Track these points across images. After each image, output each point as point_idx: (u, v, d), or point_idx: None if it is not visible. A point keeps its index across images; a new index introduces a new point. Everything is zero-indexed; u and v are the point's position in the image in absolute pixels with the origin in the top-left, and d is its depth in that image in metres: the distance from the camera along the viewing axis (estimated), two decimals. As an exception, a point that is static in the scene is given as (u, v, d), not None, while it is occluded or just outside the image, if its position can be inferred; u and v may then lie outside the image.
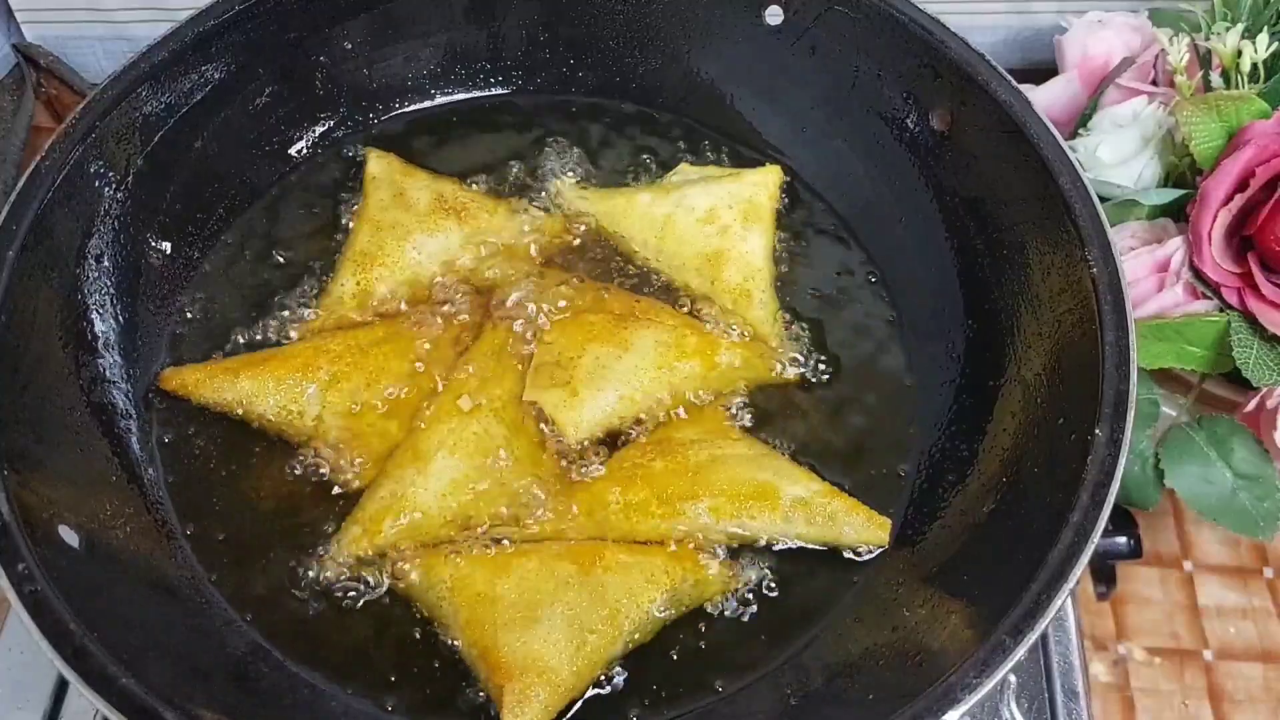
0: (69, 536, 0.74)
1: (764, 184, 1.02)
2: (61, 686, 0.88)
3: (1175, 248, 0.96)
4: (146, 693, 0.66)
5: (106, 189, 0.90)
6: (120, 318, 0.91)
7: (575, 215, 1.03)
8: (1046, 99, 1.12)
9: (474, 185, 1.05)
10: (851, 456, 0.92)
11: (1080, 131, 1.06)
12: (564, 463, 0.89)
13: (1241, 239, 0.93)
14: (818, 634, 0.84)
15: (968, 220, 0.96)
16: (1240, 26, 0.99)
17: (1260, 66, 0.98)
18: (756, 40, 1.05)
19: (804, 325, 0.98)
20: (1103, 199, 0.88)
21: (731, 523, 0.85)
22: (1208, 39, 1.00)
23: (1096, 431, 0.75)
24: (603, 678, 0.81)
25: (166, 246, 0.97)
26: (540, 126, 1.10)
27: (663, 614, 0.83)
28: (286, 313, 0.97)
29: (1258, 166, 0.91)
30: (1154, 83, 1.06)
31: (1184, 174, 1.01)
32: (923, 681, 0.70)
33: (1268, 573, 1.05)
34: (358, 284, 0.96)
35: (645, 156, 1.08)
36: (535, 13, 1.08)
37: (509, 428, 0.89)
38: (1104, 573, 0.99)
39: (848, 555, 0.87)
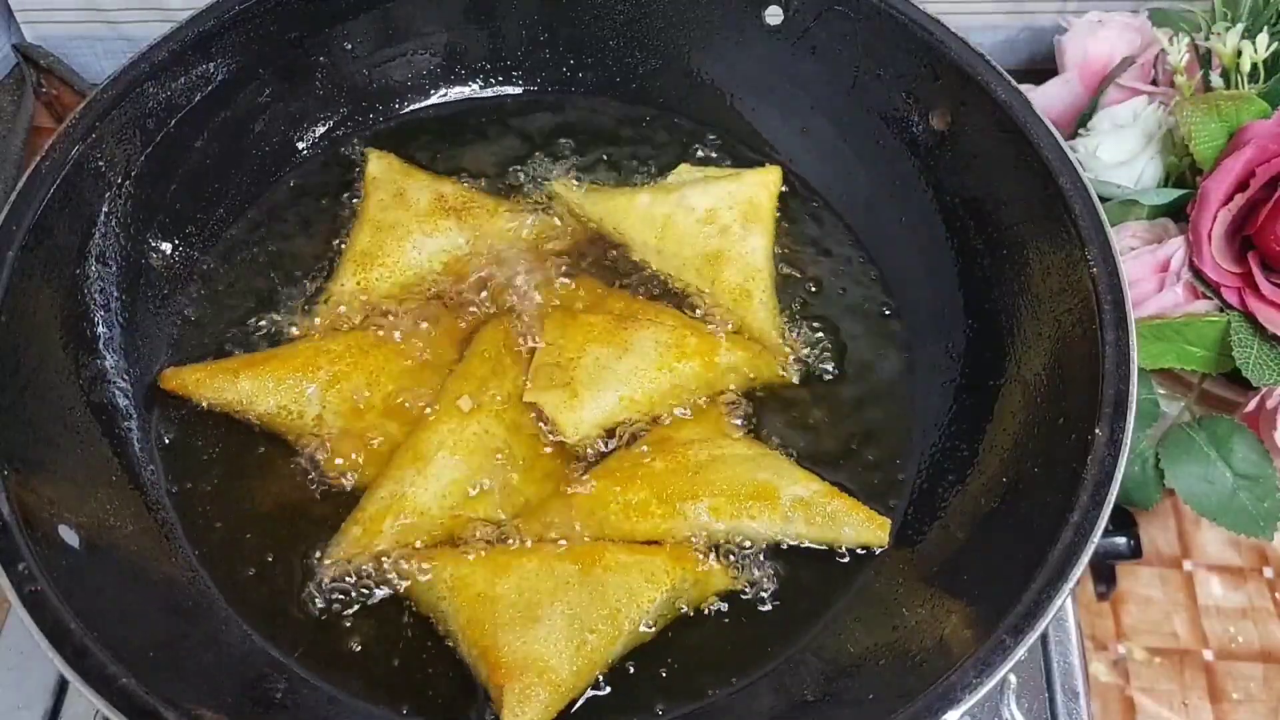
0: (69, 536, 0.74)
1: (764, 184, 1.02)
2: (61, 686, 0.88)
3: (1175, 248, 0.96)
4: (146, 693, 0.66)
5: (106, 189, 0.90)
6: (120, 318, 0.91)
7: (575, 215, 1.03)
8: (1046, 99, 1.12)
9: (474, 185, 1.05)
10: (852, 456, 0.92)
11: (1080, 131, 1.06)
12: (564, 463, 0.89)
13: (1241, 239, 0.93)
14: (818, 634, 0.84)
15: (968, 220, 0.96)
16: (1240, 26, 0.99)
17: (1260, 66, 0.98)
18: (756, 40, 1.05)
19: (804, 325, 0.98)
20: (1103, 199, 0.88)
21: (731, 523, 0.85)
22: (1208, 39, 1.00)
23: (1096, 431, 0.75)
24: (602, 678, 0.81)
25: (166, 247, 0.97)
26: (540, 126, 1.10)
27: (663, 614, 0.82)
28: (286, 313, 0.97)
29: (1258, 166, 0.91)
30: (1154, 83, 1.06)
31: (1184, 174, 1.01)
32: (923, 681, 0.70)
33: (1268, 573, 1.05)
34: (358, 284, 0.96)
35: (645, 156, 1.08)
36: (535, 12, 1.08)
37: (509, 428, 0.89)
38: (1104, 573, 0.99)
39: (848, 555, 0.87)
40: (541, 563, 0.82)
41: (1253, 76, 0.99)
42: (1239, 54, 0.98)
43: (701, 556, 0.85)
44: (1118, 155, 1.03)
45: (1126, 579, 1.03)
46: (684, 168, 1.06)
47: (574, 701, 0.79)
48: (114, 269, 0.91)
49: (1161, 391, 0.99)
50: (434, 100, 1.11)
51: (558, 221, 1.03)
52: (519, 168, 1.06)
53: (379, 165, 1.03)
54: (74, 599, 0.69)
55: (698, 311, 0.98)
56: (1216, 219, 0.92)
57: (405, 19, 1.07)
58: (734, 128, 1.10)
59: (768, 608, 0.84)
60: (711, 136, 1.10)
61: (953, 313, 0.96)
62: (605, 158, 1.08)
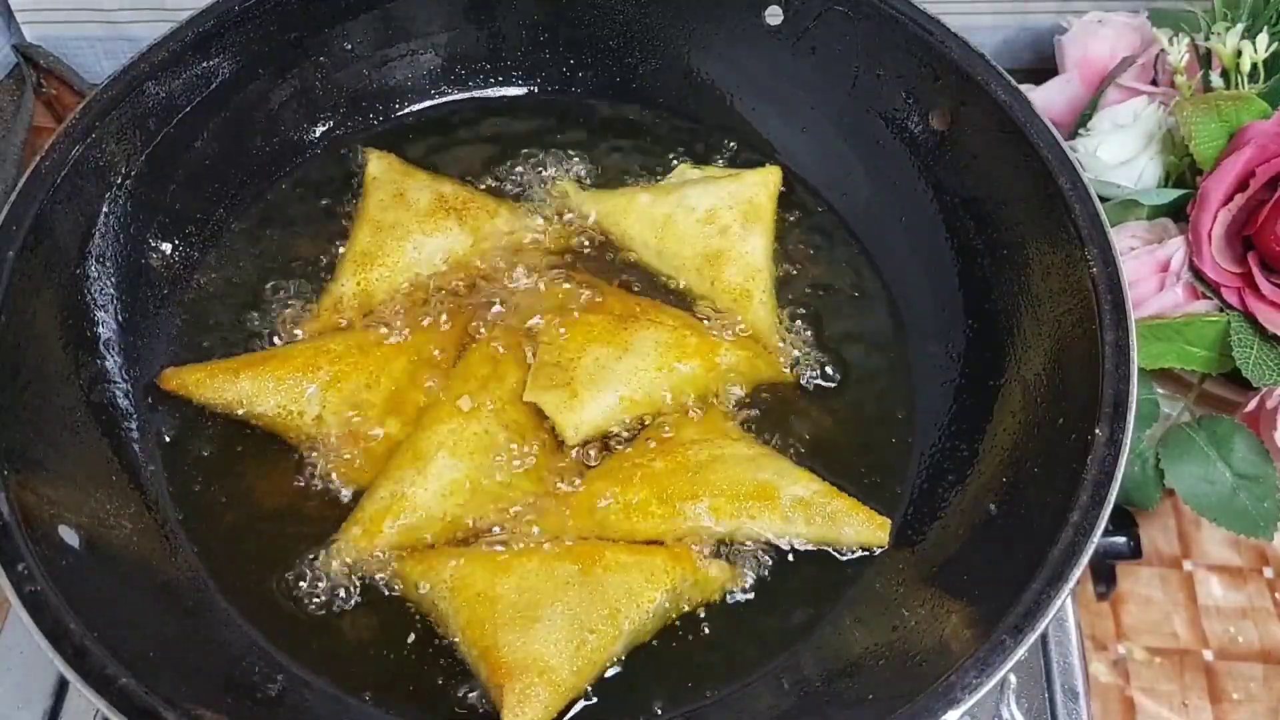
0: (69, 536, 0.74)
1: (764, 184, 1.02)
2: (61, 686, 0.88)
3: (1175, 248, 0.96)
4: (146, 693, 0.66)
5: (106, 189, 0.90)
6: (120, 318, 0.91)
7: (575, 215, 1.03)
8: (1046, 99, 1.12)
9: (474, 185, 1.04)
10: (851, 457, 0.92)
11: (1080, 131, 1.06)
12: (564, 463, 0.89)
13: (1242, 239, 0.93)
14: (817, 634, 0.84)
15: (968, 220, 0.96)
16: (1240, 26, 0.99)
17: (1260, 66, 0.98)
18: (756, 40, 1.05)
19: (804, 325, 0.98)
20: (1103, 199, 0.88)
21: (731, 522, 0.85)
22: (1208, 39, 1.00)
23: (1096, 431, 0.75)
24: (602, 677, 0.81)
25: (166, 247, 0.97)
26: (540, 126, 1.10)
27: (662, 613, 0.83)
28: (287, 313, 0.97)
29: (1258, 166, 0.91)
30: (1154, 83, 1.06)
31: (1184, 174, 1.01)
32: (923, 681, 0.70)
33: (1268, 573, 1.05)
34: (358, 284, 0.96)
35: (645, 156, 1.08)
36: (535, 13, 1.08)
37: (509, 428, 0.89)
38: (1104, 573, 0.99)
39: (848, 555, 0.87)
40: (541, 563, 0.82)
41: (1253, 76, 0.99)
42: (1239, 54, 0.98)
43: (701, 556, 0.85)
44: (1118, 155, 1.03)
45: (1126, 579, 1.03)
46: (684, 168, 1.06)
47: (574, 701, 0.79)
48: (114, 269, 0.91)
49: (1161, 391, 0.98)
50: (434, 100, 1.11)
51: (557, 221, 1.03)
52: (519, 168, 1.06)
53: (379, 165, 1.03)
54: (74, 599, 0.69)
55: (697, 311, 0.98)
56: (1216, 219, 0.92)
57: (405, 19, 1.07)
58: (734, 128, 1.10)
59: (767, 608, 0.84)
60: (711, 136, 1.10)
61: (953, 313, 0.96)
62: (605, 158, 1.08)
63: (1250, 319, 0.92)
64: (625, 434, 0.91)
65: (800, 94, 1.06)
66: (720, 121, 1.10)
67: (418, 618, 0.83)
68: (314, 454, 0.89)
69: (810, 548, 0.87)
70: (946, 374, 0.94)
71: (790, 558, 0.86)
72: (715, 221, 1.00)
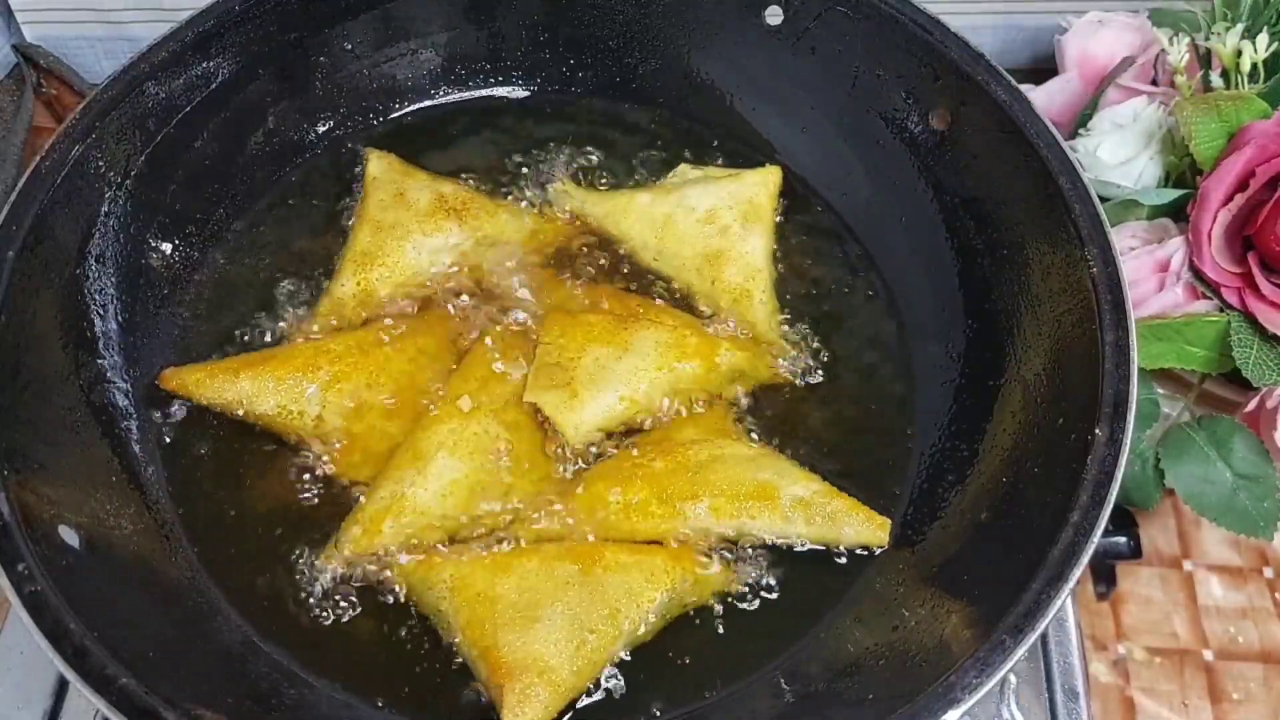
0: (69, 536, 0.75)
1: (764, 184, 1.02)
2: (61, 686, 0.88)
3: (1175, 248, 0.96)
4: (146, 693, 0.66)
5: (106, 189, 0.90)
6: (120, 318, 0.91)
7: (575, 215, 1.03)
8: (1046, 99, 1.12)
9: (474, 185, 1.04)
10: (851, 457, 0.92)
11: (1080, 131, 1.06)
12: (564, 463, 0.90)
13: (1242, 239, 0.93)
14: (818, 634, 0.84)
15: (968, 220, 0.96)
16: (1240, 26, 0.99)
17: (1260, 66, 0.98)
18: (756, 40, 1.05)
19: (804, 325, 0.98)
20: (1103, 199, 0.88)
21: (731, 522, 0.85)
22: (1208, 39, 1.00)
23: (1096, 431, 0.75)
24: (602, 677, 0.81)
25: (166, 247, 0.97)
26: (540, 126, 1.10)
27: (662, 614, 0.83)
28: (287, 313, 0.97)
29: (1258, 166, 0.91)
30: (1154, 83, 1.06)
31: (1184, 174, 1.01)
32: (923, 681, 0.70)
33: (1268, 573, 1.05)
34: (358, 284, 0.96)
35: (645, 156, 1.08)
36: (535, 13, 1.08)
37: (509, 428, 0.89)
38: (1104, 573, 0.99)
39: (847, 555, 0.87)
40: (541, 563, 0.82)
41: (1253, 76, 0.99)
42: (1239, 54, 0.98)
43: (701, 556, 0.85)
44: (1118, 155, 1.03)
45: (1126, 579, 1.03)
46: (684, 168, 1.06)
47: (574, 701, 0.79)
48: (114, 269, 0.91)
49: (1161, 391, 0.98)
50: (434, 100, 1.11)
51: (558, 222, 1.03)
52: (519, 168, 1.06)
53: (379, 165, 1.03)
54: (74, 599, 0.69)
55: (697, 311, 0.98)
56: (1216, 219, 0.92)
57: (405, 19, 1.07)
58: (734, 128, 1.10)
59: (767, 608, 0.84)
60: (711, 136, 1.10)
61: (953, 313, 0.96)
62: (605, 158, 1.08)
63: (1250, 319, 0.92)
64: (625, 434, 0.91)
65: (800, 94, 1.06)
66: (720, 121, 1.10)
67: (418, 617, 0.83)
68: (314, 454, 0.89)
69: (810, 547, 0.87)
70: (946, 374, 0.95)
71: (790, 558, 0.86)
72: (715, 221, 1.00)
